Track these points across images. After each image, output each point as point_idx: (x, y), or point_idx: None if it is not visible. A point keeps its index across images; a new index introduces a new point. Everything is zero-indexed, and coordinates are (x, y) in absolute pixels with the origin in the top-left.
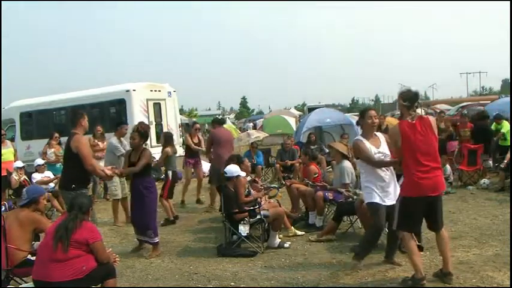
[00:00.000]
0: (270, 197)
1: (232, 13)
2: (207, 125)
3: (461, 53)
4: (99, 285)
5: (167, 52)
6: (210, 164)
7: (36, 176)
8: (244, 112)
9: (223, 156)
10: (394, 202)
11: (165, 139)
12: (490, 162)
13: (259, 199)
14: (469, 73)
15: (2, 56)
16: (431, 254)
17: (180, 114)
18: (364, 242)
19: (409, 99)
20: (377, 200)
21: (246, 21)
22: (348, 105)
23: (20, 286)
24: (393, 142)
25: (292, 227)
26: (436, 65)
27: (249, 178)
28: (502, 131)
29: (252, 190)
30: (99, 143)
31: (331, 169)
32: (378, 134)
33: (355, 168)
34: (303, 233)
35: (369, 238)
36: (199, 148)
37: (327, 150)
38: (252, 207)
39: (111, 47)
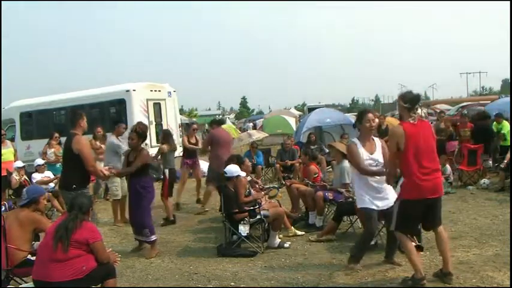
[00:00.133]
0: (270, 197)
1: (232, 13)
2: (207, 125)
3: (461, 53)
4: (99, 285)
5: (167, 52)
6: (208, 164)
7: (36, 176)
8: (244, 112)
9: (223, 157)
10: (389, 204)
11: (163, 136)
12: (490, 162)
13: (259, 199)
14: (469, 73)
15: (2, 56)
16: (431, 254)
17: (180, 114)
18: (357, 245)
19: (409, 101)
20: (368, 205)
21: (246, 21)
22: (348, 105)
23: (20, 286)
24: (393, 143)
25: (292, 227)
26: (436, 65)
27: (249, 178)
28: (503, 131)
29: (252, 190)
30: (102, 145)
31: (331, 169)
32: (376, 139)
33: None
34: (303, 233)
35: (362, 242)
36: (196, 147)
37: (327, 150)
38: (252, 207)
39: (111, 47)
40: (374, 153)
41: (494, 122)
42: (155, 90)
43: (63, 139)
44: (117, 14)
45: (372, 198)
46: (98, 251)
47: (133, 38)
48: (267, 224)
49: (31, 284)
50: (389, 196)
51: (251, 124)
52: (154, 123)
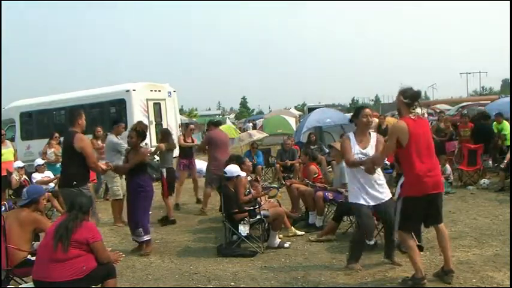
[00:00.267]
0: (270, 197)
1: (232, 13)
2: (206, 126)
3: (461, 53)
4: (99, 285)
5: (167, 52)
6: (206, 164)
7: (36, 176)
8: (244, 112)
9: (220, 159)
10: (382, 200)
11: (162, 135)
12: (490, 162)
13: (259, 199)
14: (469, 73)
15: (2, 56)
16: (431, 254)
17: (180, 114)
18: (352, 244)
19: (410, 96)
20: (359, 200)
21: (246, 21)
22: (348, 105)
23: (20, 286)
24: (394, 139)
25: (292, 227)
26: (436, 65)
27: (249, 178)
28: (504, 132)
29: (252, 190)
30: (104, 144)
31: (331, 169)
32: (373, 134)
33: None
34: (303, 233)
35: (356, 240)
36: (192, 144)
37: (327, 150)
38: (252, 207)
39: (111, 47)
40: (366, 149)
41: (495, 122)
42: (155, 90)
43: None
44: (117, 14)
45: (364, 194)
46: (98, 251)
47: (133, 38)
48: (267, 224)
49: (31, 284)
50: (383, 192)
51: (251, 124)
52: (154, 123)
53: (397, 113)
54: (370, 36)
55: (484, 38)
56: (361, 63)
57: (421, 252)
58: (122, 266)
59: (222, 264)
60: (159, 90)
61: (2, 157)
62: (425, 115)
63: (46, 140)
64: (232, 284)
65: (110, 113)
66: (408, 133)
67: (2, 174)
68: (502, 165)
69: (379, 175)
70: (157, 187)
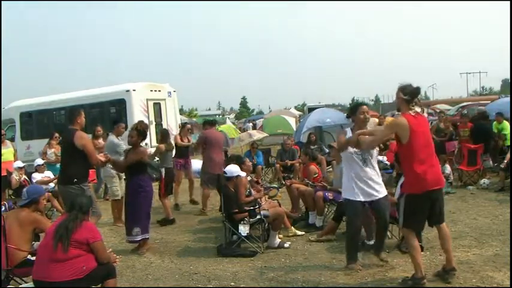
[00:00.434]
0: (270, 197)
1: (232, 13)
2: (202, 125)
3: (461, 53)
4: (99, 285)
5: (167, 52)
6: (201, 164)
7: (36, 176)
8: (244, 112)
9: (215, 159)
10: (376, 197)
11: (161, 136)
12: (490, 162)
13: (259, 199)
14: (469, 73)
15: (2, 56)
16: (431, 254)
17: (180, 114)
18: (347, 244)
19: (409, 93)
20: (353, 196)
21: (246, 21)
22: (348, 105)
23: (20, 286)
24: (390, 129)
25: (292, 227)
26: (436, 65)
27: (249, 178)
28: (504, 132)
29: (252, 190)
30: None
31: (331, 169)
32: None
33: None
34: (303, 233)
35: (349, 239)
36: (188, 143)
37: (327, 150)
38: (252, 207)
39: (111, 47)
40: None
41: (495, 122)
42: (155, 90)
43: None
44: (117, 14)
45: (359, 191)
46: (98, 251)
47: (133, 38)
48: (267, 224)
49: (31, 284)
50: (377, 189)
51: (251, 124)
52: (154, 123)
53: (397, 112)
54: (370, 36)
55: (484, 38)
56: (361, 63)
57: (421, 252)
58: (122, 266)
59: (222, 264)
60: (159, 90)
61: (2, 157)
62: (425, 114)
63: (46, 140)
64: (232, 284)
65: (110, 113)
66: (409, 130)
67: (2, 174)
68: (502, 165)
69: (374, 172)
70: (155, 187)
